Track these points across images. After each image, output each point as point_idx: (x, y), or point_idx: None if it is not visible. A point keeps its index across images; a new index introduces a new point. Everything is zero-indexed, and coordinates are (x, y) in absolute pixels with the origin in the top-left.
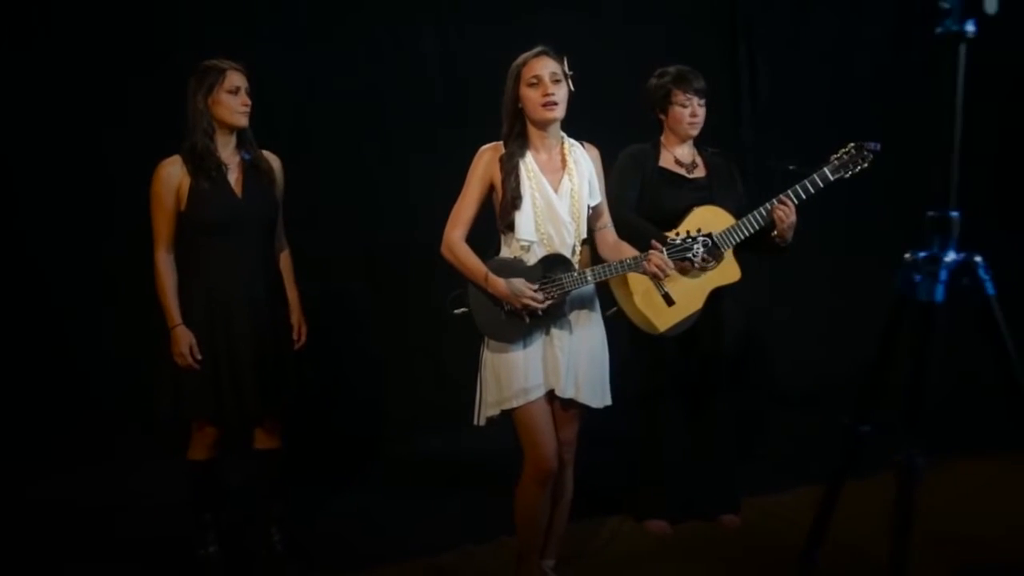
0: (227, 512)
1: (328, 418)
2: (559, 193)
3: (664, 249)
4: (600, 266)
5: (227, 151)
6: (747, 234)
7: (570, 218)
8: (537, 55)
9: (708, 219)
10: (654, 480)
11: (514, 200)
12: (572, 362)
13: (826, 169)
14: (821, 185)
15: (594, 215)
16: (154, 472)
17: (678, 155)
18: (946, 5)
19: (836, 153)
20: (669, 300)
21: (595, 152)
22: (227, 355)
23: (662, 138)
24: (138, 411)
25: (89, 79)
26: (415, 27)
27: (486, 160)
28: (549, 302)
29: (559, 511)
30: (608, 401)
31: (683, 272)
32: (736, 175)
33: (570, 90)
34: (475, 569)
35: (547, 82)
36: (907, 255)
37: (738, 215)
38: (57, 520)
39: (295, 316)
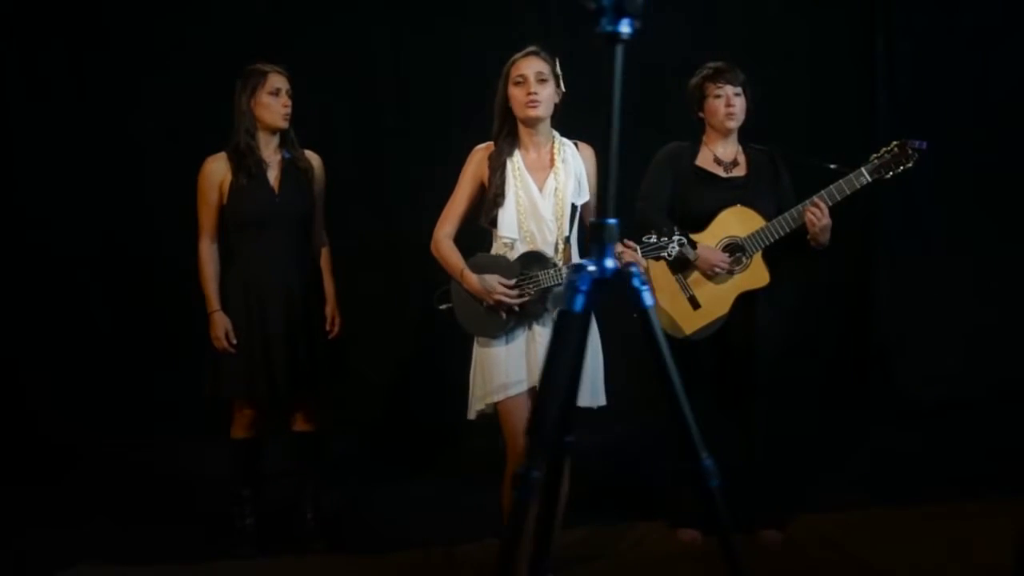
0: (265, 488)
1: (383, 408)
2: (544, 191)
3: (639, 248)
4: (573, 263)
5: (269, 150)
6: (776, 237)
7: (553, 216)
8: (525, 55)
9: (737, 220)
10: (688, 486)
11: (496, 197)
12: None
13: (863, 169)
14: (857, 186)
15: (587, 214)
16: (203, 449)
17: (719, 153)
18: (592, 5)
19: (878, 152)
20: (695, 303)
21: (589, 152)
22: (261, 341)
23: (704, 136)
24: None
25: (149, 77)
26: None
27: (478, 159)
28: (525, 298)
29: None
30: (601, 401)
31: (709, 276)
32: (782, 174)
33: (560, 90)
34: (490, 561)
35: (532, 81)
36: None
37: (778, 216)
38: (121, 489)
39: (329, 308)
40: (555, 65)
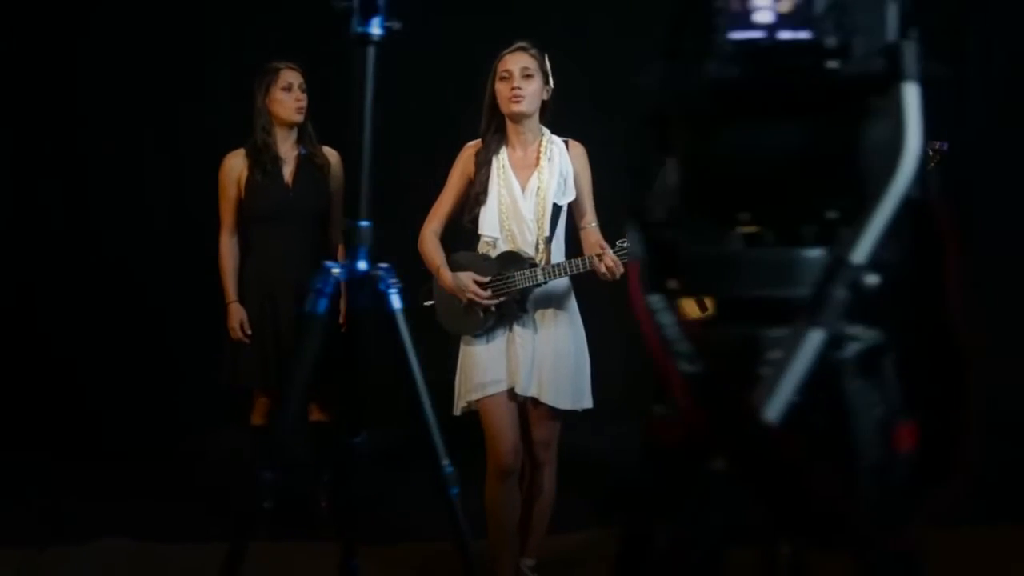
0: (284, 474)
1: (397, 401)
2: (526, 191)
3: (610, 250)
4: (552, 265)
5: (286, 146)
6: None
7: (533, 216)
8: (512, 50)
9: None
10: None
11: (478, 196)
12: (536, 360)
13: None
14: None
15: (577, 213)
16: (225, 434)
17: None
18: (342, 4)
19: None
20: (702, 306)
21: (579, 150)
22: (272, 333)
23: None
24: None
25: (169, 74)
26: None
27: (466, 156)
28: (500, 299)
29: (537, 511)
30: (585, 404)
31: None
32: None
33: (549, 87)
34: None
35: (516, 76)
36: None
37: None
38: (154, 469)
39: (343, 302)
40: (544, 61)
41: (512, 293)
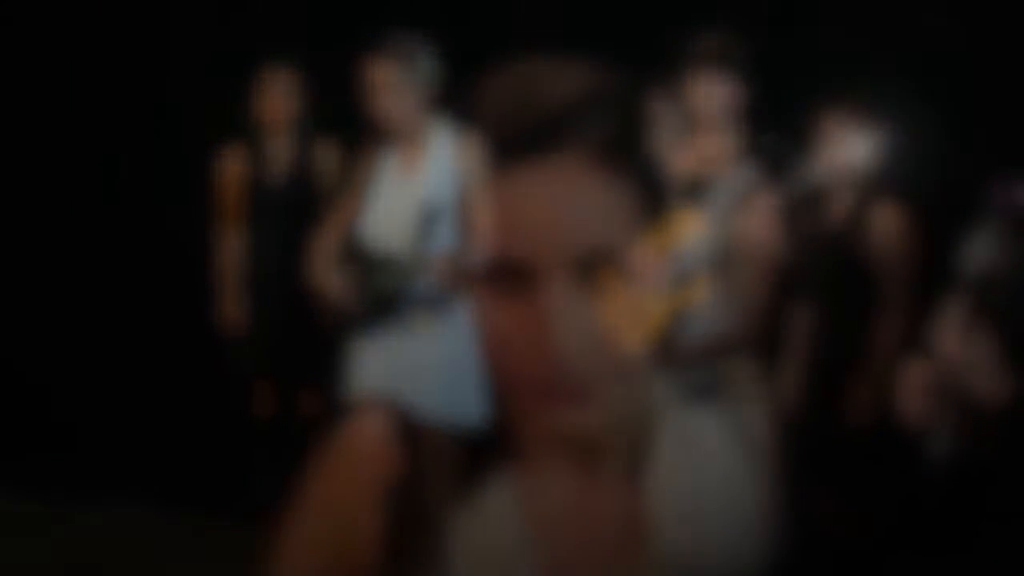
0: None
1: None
2: (405, 192)
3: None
4: (410, 268)
5: (280, 145)
6: None
7: (408, 218)
8: (373, 56)
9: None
10: None
11: (359, 199)
12: (411, 370)
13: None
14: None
15: (466, 211)
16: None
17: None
18: None
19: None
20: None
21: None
22: (263, 326)
23: None
24: None
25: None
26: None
27: (362, 158)
28: (369, 304)
29: None
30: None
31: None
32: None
33: (427, 85)
34: None
35: (379, 92)
36: None
37: None
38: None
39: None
40: (414, 62)
41: (379, 298)
